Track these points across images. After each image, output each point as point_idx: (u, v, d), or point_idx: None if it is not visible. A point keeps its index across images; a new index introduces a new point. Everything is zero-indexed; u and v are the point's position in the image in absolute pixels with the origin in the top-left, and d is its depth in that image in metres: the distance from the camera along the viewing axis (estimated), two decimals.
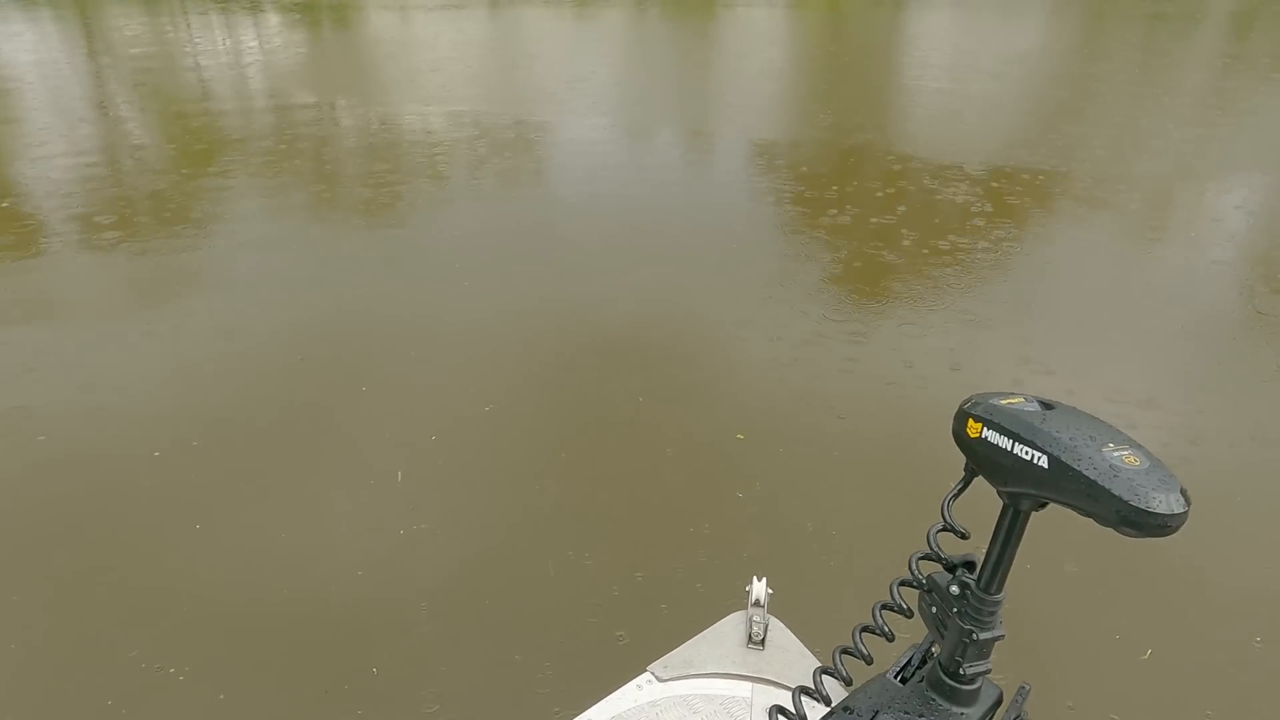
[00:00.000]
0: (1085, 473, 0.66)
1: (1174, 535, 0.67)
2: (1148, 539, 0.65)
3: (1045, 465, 0.68)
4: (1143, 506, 0.64)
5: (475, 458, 3.29)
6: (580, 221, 5.87)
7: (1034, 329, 4.54)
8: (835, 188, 6.45)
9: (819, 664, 0.94)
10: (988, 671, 0.84)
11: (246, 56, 11.59)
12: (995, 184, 6.61)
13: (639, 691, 1.10)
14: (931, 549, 0.84)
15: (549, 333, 4.28)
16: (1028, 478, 0.70)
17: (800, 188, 6.46)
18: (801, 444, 3.35)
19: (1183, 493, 0.66)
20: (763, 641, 1.16)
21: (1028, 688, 0.86)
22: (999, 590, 0.79)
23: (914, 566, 0.86)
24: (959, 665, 0.82)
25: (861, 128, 8.01)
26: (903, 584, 0.87)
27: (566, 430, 3.47)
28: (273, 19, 13.43)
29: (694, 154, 7.58)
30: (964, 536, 0.82)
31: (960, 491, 0.80)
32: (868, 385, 3.83)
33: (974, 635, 0.80)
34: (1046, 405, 0.73)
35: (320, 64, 11.13)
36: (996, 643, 0.82)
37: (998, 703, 0.87)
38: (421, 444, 3.36)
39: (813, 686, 0.89)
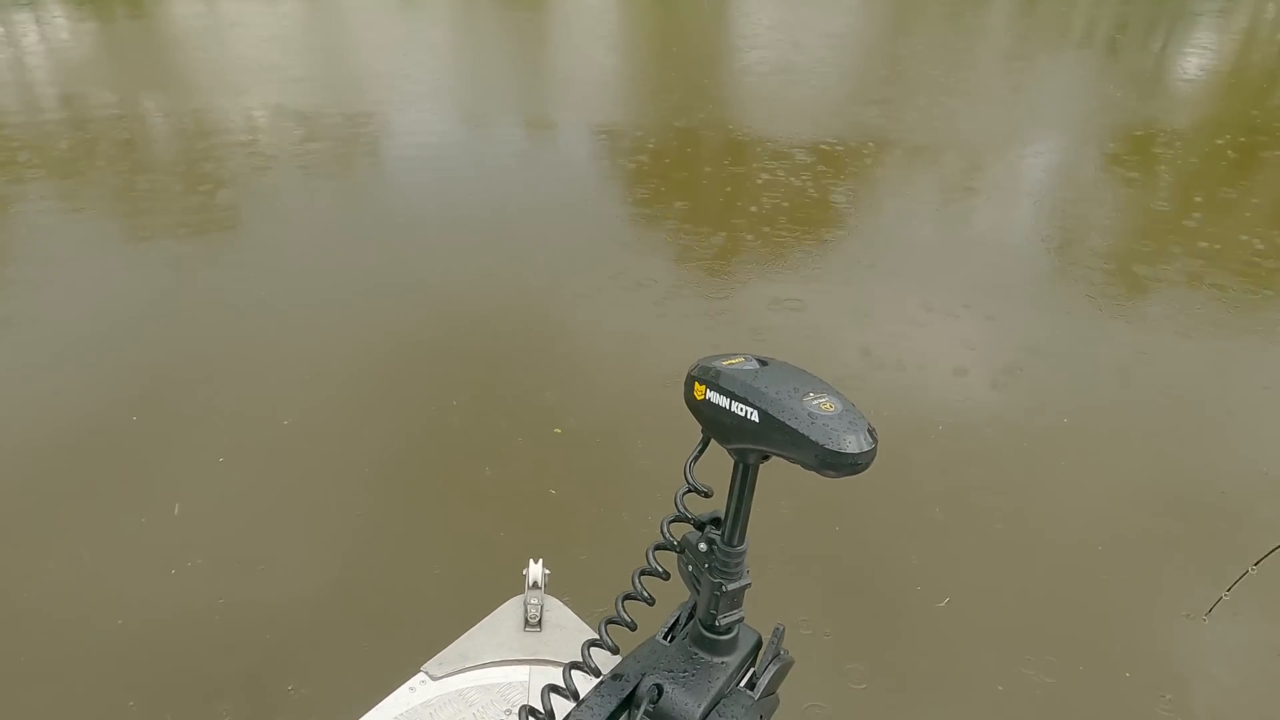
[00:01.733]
0: (789, 423, 0.69)
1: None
2: (844, 478, 0.70)
3: (757, 419, 0.71)
4: (836, 449, 0.68)
5: (265, 479, 3.12)
6: (417, 215, 5.69)
7: (871, 283, 4.83)
8: (676, 169, 6.55)
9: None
10: (741, 619, 0.88)
11: (28, 52, 10.45)
12: (828, 152, 6.91)
13: (411, 694, 1.08)
14: (680, 511, 0.86)
15: (374, 335, 4.14)
16: (745, 433, 0.73)
17: (641, 171, 6.52)
18: (621, 436, 3.37)
19: (870, 432, 0.70)
20: (539, 623, 1.16)
21: (781, 628, 0.90)
22: (741, 542, 0.83)
23: (665, 530, 0.88)
24: (714, 617, 0.86)
25: (698, 106, 8.17)
26: (658, 548, 0.89)
27: (374, 441, 3.36)
28: (54, 9, 12.16)
29: (534, 142, 7.49)
30: (707, 495, 0.84)
31: (699, 454, 0.82)
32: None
33: (724, 587, 0.84)
34: (763, 362, 0.76)
35: (119, 58, 10.20)
36: (747, 590, 0.86)
37: (757, 646, 0.91)
38: (208, 468, 3.14)
39: (581, 660, 0.89)
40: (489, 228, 5.47)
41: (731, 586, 0.84)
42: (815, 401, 0.70)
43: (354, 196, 6.02)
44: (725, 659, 0.88)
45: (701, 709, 0.83)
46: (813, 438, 0.68)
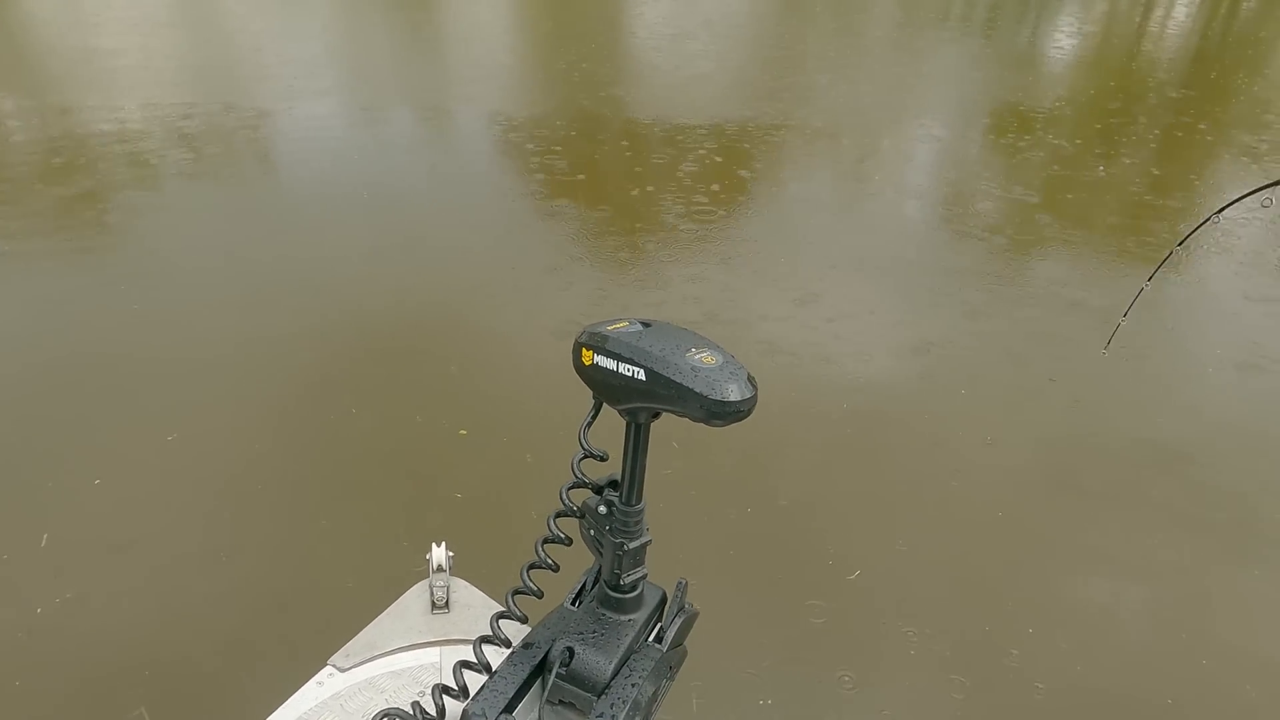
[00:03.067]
0: (674, 378, 0.72)
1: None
2: (730, 425, 0.72)
3: (644, 378, 0.73)
4: (720, 398, 0.70)
5: (151, 497, 2.96)
6: (313, 215, 5.47)
7: (780, 259, 4.93)
8: (580, 157, 6.51)
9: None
10: (644, 576, 0.90)
11: None
12: (729, 137, 7.00)
13: (320, 688, 1.05)
14: (577, 477, 0.87)
15: (267, 338, 3.97)
16: (634, 392, 0.75)
17: (546, 158, 6.45)
18: (526, 433, 3.33)
19: (750, 380, 0.73)
20: (447, 604, 1.15)
21: (684, 582, 0.92)
22: (639, 501, 0.85)
23: (565, 497, 0.88)
24: (619, 577, 0.87)
25: (599, 92, 8.14)
26: (559, 515, 0.90)
27: (269, 447, 3.23)
28: None
29: (435, 132, 7.32)
30: (603, 458, 0.86)
31: (592, 420, 0.83)
32: None
33: (625, 546, 0.86)
34: (646, 324, 0.78)
35: None
36: (648, 547, 0.88)
37: (662, 601, 0.93)
38: (83, 490, 2.94)
39: (491, 633, 0.89)
40: (387, 222, 5.31)
41: (633, 545, 0.86)
42: (697, 356, 0.72)
43: (240, 195, 5.74)
44: (632, 616, 0.90)
45: (613, 665, 0.85)
46: (697, 390, 0.70)
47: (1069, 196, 6.10)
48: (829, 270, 4.86)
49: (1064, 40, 11.64)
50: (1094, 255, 5.21)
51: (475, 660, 0.87)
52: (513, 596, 0.91)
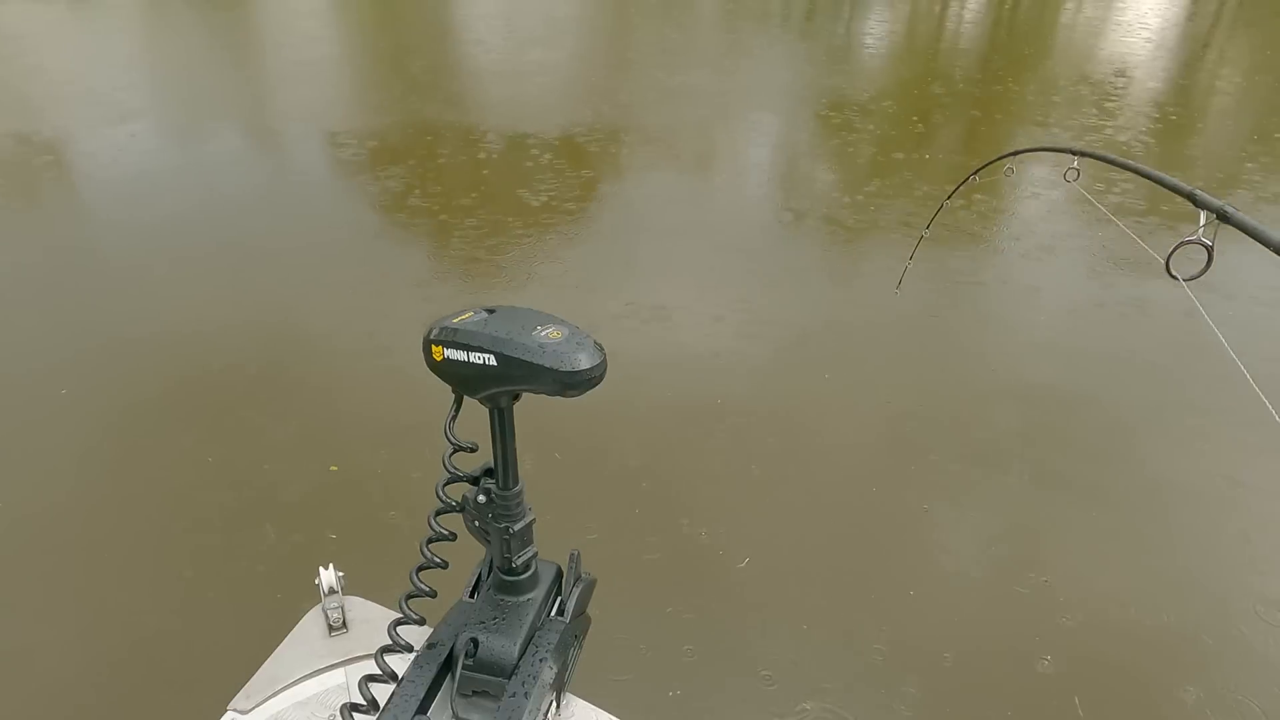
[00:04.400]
0: (524, 358, 0.74)
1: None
2: (585, 394, 0.76)
3: (495, 363, 0.76)
4: (571, 369, 0.74)
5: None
6: (132, 249, 5.08)
7: (627, 256, 5.04)
8: (418, 172, 6.38)
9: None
10: (535, 554, 0.93)
11: None
12: (570, 144, 7.05)
13: None
14: (451, 472, 0.89)
15: (107, 392, 3.69)
16: (489, 378, 0.77)
17: (385, 177, 6.29)
18: (398, 452, 3.27)
19: (597, 347, 0.77)
20: (344, 624, 1.15)
21: (577, 552, 0.96)
22: (516, 483, 0.88)
23: (441, 493, 0.90)
24: (510, 560, 0.90)
25: (434, 105, 7.99)
26: (439, 513, 0.91)
27: (133, 505, 3.04)
28: None
29: (264, 153, 6.97)
30: (473, 449, 0.88)
31: (455, 414, 0.85)
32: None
33: (511, 529, 0.88)
34: (490, 310, 0.80)
35: None
36: (534, 525, 0.91)
37: (558, 575, 0.96)
38: None
39: (392, 641, 0.90)
40: (223, 255, 5.04)
41: (518, 526, 0.89)
42: (544, 333, 0.76)
43: (45, 239, 5.27)
44: (530, 595, 0.92)
45: (518, 646, 0.87)
46: (547, 365, 0.73)
47: (893, 183, 6.58)
48: (675, 264, 5.02)
49: (876, 32, 12.48)
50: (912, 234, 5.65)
51: (380, 671, 0.87)
52: (406, 601, 0.92)
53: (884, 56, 11.23)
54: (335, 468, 3.19)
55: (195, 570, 2.71)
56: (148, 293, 4.49)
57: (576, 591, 0.95)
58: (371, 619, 1.18)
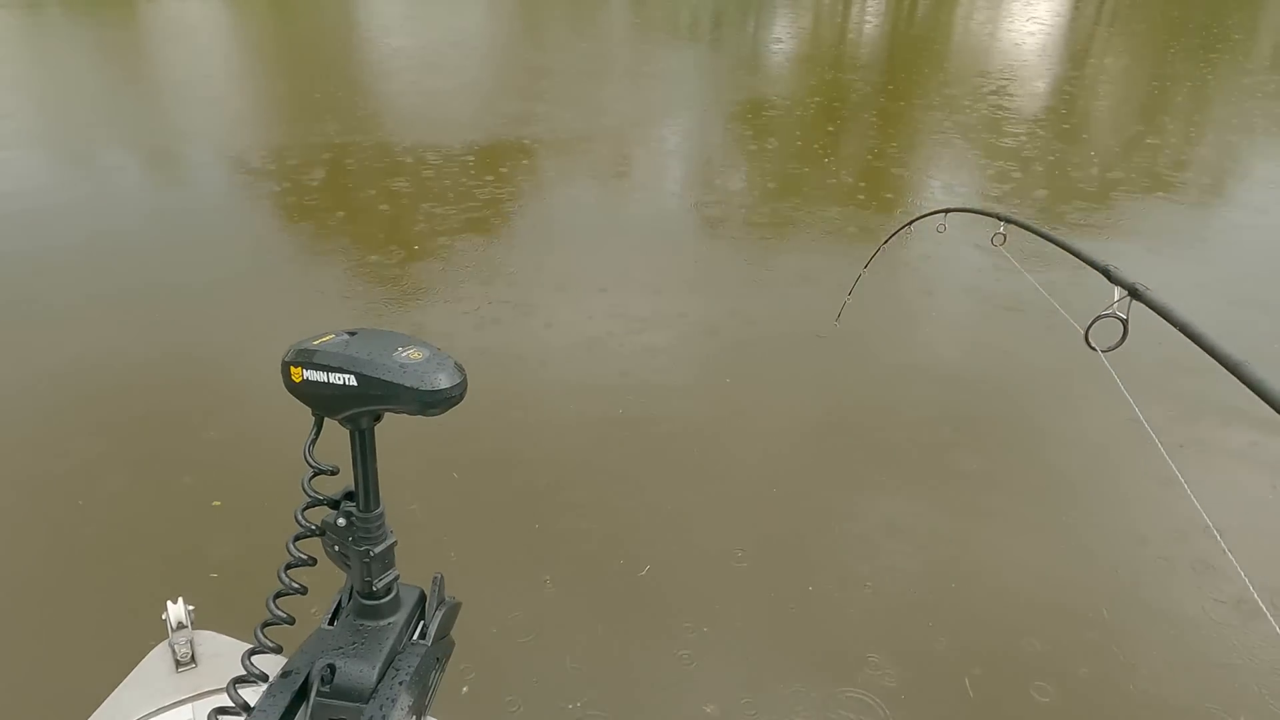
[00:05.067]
0: (383, 378, 0.75)
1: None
2: (448, 412, 0.76)
3: (355, 383, 0.76)
4: (430, 388, 0.75)
5: None
6: (22, 289, 4.80)
7: (548, 273, 5.01)
8: (333, 190, 6.23)
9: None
10: (397, 578, 0.91)
11: None
12: (484, 158, 6.99)
13: None
14: (310, 496, 0.86)
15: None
16: (348, 399, 0.77)
17: (297, 197, 6.11)
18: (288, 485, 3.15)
19: (457, 367, 0.78)
20: (193, 659, 1.09)
21: (440, 576, 0.93)
22: (377, 505, 0.86)
23: (301, 518, 0.87)
24: (370, 584, 0.88)
25: (350, 123, 7.84)
26: (297, 538, 0.88)
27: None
28: None
29: (162, 179, 6.71)
30: (333, 472, 0.86)
31: (316, 436, 0.84)
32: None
33: (371, 552, 0.87)
34: (352, 333, 0.80)
35: None
36: (395, 549, 0.88)
37: (421, 599, 0.94)
38: None
39: (245, 672, 0.86)
40: (112, 284, 4.81)
41: (379, 549, 0.87)
42: (404, 354, 0.76)
43: None
44: (391, 619, 0.91)
45: (377, 671, 0.85)
46: (407, 384, 0.74)
47: (805, 188, 6.72)
48: (595, 272, 5.01)
49: (783, 40, 12.78)
50: (825, 239, 5.79)
51: (231, 703, 0.83)
52: (262, 629, 0.88)
53: (792, 63, 11.51)
54: (218, 503, 3.06)
55: (44, 609, 2.56)
56: (41, 324, 4.26)
57: (439, 615, 0.94)
58: (224, 652, 1.12)
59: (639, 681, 2.44)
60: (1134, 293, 1.19)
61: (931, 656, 2.53)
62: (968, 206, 2.43)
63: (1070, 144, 7.78)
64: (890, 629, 2.63)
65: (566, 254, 5.25)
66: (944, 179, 6.98)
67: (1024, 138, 7.86)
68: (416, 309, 4.58)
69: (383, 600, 0.90)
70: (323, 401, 0.79)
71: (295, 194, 6.14)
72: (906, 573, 2.85)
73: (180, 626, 1.10)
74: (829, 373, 4.02)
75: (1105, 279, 1.33)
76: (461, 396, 0.77)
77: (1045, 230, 1.64)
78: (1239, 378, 0.92)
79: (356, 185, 6.31)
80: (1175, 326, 1.08)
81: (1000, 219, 1.99)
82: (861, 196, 6.46)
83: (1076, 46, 12.60)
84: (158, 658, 1.10)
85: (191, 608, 1.12)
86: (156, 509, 3.04)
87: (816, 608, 2.70)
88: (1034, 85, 10.07)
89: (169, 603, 1.11)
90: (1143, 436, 2.42)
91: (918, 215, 3.00)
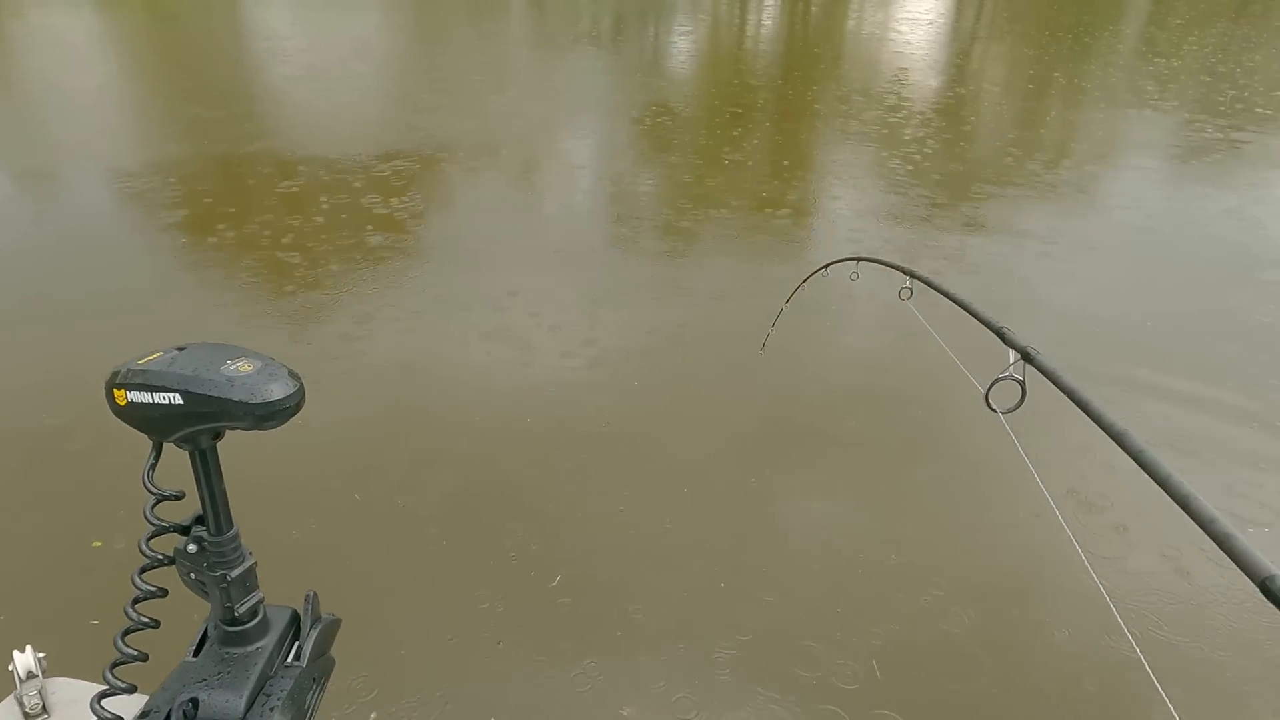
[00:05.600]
0: (211, 394, 0.71)
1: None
2: (285, 424, 0.73)
3: (181, 401, 0.72)
4: (263, 400, 0.72)
5: None
6: None
7: (468, 277, 4.89)
8: (230, 206, 5.94)
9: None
10: (261, 599, 0.87)
11: None
12: (387, 169, 6.81)
13: None
14: (155, 525, 0.81)
15: None
16: (176, 419, 0.73)
17: (189, 211, 5.80)
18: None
19: (291, 375, 0.74)
20: (44, 708, 1.00)
21: (312, 594, 0.90)
22: (230, 526, 0.83)
23: (146, 548, 0.82)
24: (231, 609, 0.84)
25: (244, 135, 7.51)
26: (144, 570, 0.83)
27: None
28: None
29: (35, 199, 6.27)
30: (178, 498, 0.81)
31: (155, 461, 0.79)
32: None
33: (228, 576, 0.83)
34: (180, 349, 0.76)
35: None
36: (255, 569, 0.85)
37: (294, 618, 0.90)
38: None
39: (96, 718, 0.81)
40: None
41: (236, 573, 0.84)
42: (233, 366, 0.73)
43: None
44: (259, 644, 0.87)
45: (245, 698, 0.82)
46: (238, 398, 0.71)
47: (713, 195, 6.79)
48: (508, 283, 4.93)
49: (683, 44, 12.94)
50: (740, 250, 5.85)
51: None
52: (111, 670, 0.84)
53: (695, 67, 11.66)
54: (99, 543, 2.86)
55: None
56: None
57: (314, 634, 0.90)
58: (80, 699, 1.03)
59: (555, 697, 2.39)
60: (1026, 356, 1.23)
61: (850, 644, 2.58)
62: (877, 258, 2.47)
63: (963, 138, 8.12)
64: (808, 624, 2.66)
65: (472, 267, 5.15)
66: (848, 182, 7.17)
67: (920, 133, 8.16)
68: (314, 326, 4.41)
69: (248, 625, 0.86)
70: (152, 424, 0.75)
71: (183, 207, 5.85)
72: (819, 576, 2.89)
73: (30, 676, 1.01)
74: (750, 383, 4.02)
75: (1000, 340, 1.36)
76: (298, 406, 0.74)
77: (947, 289, 1.68)
78: (1121, 446, 0.95)
79: (247, 201, 6.06)
80: (1063, 392, 1.11)
81: (906, 274, 2.01)
82: (767, 199, 6.57)
83: (961, 45, 13.19)
84: (4, 712, 1.00)
85: (43, 655, 1.03)
86: (22, 544, 2.82)
87: (733, 603, 2.71)
88: (927, 82, 10.48)
89: (15, 652, 1.02)
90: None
91: (831, 261, 3.05)
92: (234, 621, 0.85)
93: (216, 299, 4.64)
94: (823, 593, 2.75)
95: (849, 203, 6.51)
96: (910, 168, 7.19)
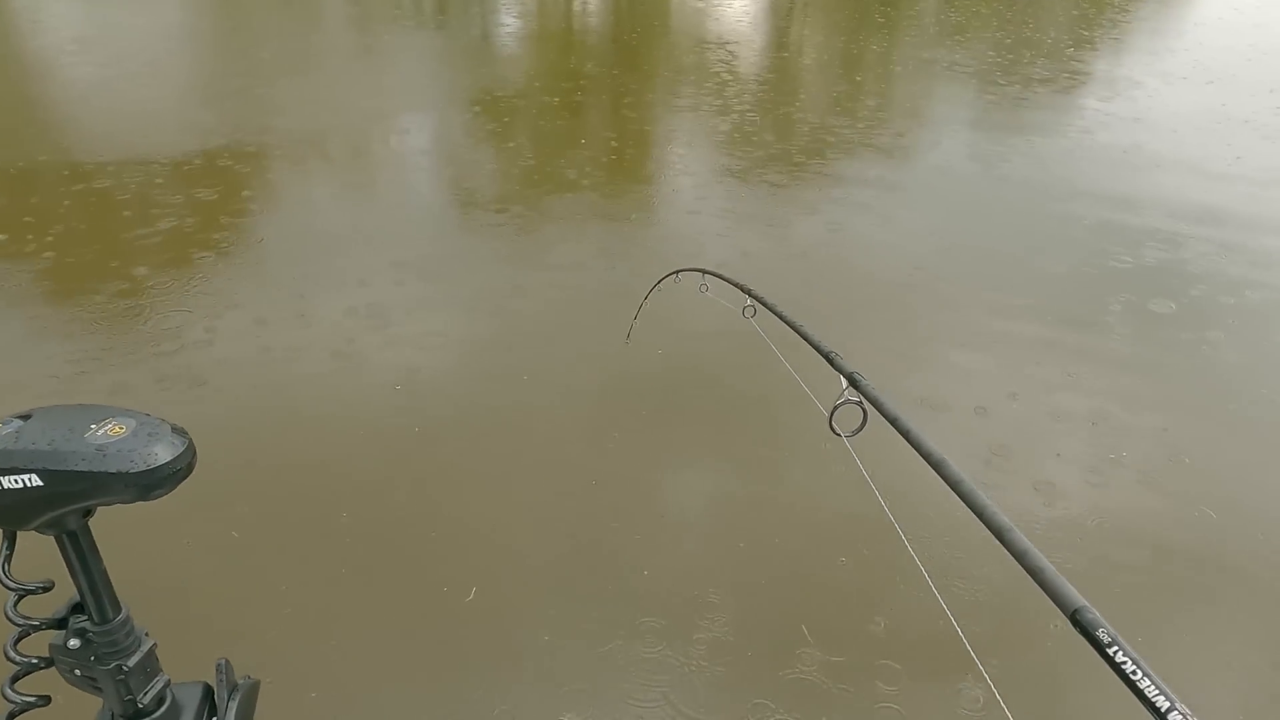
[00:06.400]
0: (79, 468, 0.61)
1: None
2: (177, 488, 0.64)
3: (40, 482, 0.61)
4: (147, 468, 0.62)
5: None
6: None
7: (296, 277, 4.68)
8: (26, 216, 5.35)
9: None
10: (168, 682, 0.80)
11: None
12: (204, 167, 6.34)
13: None
14: (22, 624, 0.73)
15: None
16: (36, 504, 0.62)
17: None
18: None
19: (176, 432, 0.66)
20: None
21: (224, 661, 0.83)
22: (117, 611, 0.74)
23: (12, 653, 0.74)
24: (134, 703, 0.76)
25: (33, 141, 6.74)
26: (16, 679, 0.74)
27: None
28: None
29: None
30: (47, 589, 0.73)
31: (10, 553, 0.69)
32: None
33: (125, 666, 0.74)
34: (24, 416, 0.65)
35: None
36: (155, 650, 0.78)
37: (208, 693, 0.83)
38: None
39: None
40: None
41: (134, 660, 0.75)
42: (101, 431, 0.63)
43: None
44: None
45: None
46: (114, 469, 0.62)
47: (555, 177, 6.79)
48: (352, 281, 4.78)
49: (511, 22, 12.70)
50: (598, 227, 5.92)
51: None
52: None
53: (525, 44, 11.48)
54: None
55: None
56: None
57: (234, 705, 0.82)
58: None
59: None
60: (852, 381, 1.23)
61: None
62: (722, 274, 2.44)
63: (792, 106, 8.52)
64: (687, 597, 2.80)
65: (310, 267, 4.95)
66: (685, 152, 7.37)
67: (748, 103, 8.48)
68: (136, 350, 4.11)
69: (156, 714, 0.78)
70: (4, 513, 0.64)
71: None
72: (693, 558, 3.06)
73: None
74: (607, 370, 4.13)
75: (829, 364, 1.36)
76: (190, 468, 0.67)
77: (783, 312, 1.69)
78: (940, 474, 0.95)
79: (45, 212, 5.50)
80: (885, 418, 1.11)
81: (747, 293, 2.00)
82: (605, 180, 6.65)
83: (782, 18, 13.72)
84: None
85: None
86: None
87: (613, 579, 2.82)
88: (754, 53, 10.85)
89: None
90: None
91: (680, 269, 3.08)
92: (138, 714, 0.77)
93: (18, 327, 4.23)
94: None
95: (690, 173, 6.72)
96: (742, 134, 7.50)
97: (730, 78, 9.49)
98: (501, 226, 5.74)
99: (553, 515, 3.18)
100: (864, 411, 1.21)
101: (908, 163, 7.16)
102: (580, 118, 8.10)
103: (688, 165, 6.98)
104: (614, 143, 7.56)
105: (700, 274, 2.68)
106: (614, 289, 4.80)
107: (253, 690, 0.85)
